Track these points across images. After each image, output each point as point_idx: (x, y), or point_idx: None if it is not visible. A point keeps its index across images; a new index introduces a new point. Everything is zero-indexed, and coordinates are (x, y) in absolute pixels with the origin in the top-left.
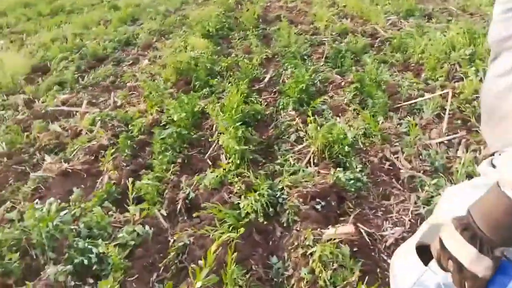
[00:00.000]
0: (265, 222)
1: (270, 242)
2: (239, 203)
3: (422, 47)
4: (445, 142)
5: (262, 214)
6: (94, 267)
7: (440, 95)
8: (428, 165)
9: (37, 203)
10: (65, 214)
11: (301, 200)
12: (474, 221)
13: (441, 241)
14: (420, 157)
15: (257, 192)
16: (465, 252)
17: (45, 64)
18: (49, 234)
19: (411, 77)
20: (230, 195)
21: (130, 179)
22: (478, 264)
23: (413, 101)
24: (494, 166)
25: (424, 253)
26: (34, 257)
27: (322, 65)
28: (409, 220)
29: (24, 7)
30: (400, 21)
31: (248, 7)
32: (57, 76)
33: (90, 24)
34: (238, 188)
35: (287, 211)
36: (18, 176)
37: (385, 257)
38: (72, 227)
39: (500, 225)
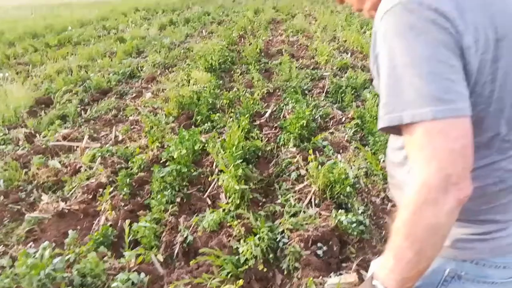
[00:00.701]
0: (265, 269)
1: None
2: (238, 248)
3: None
4: None
5: (262, 261)
6: None
7: None
8: None
9: (30, 246)
10: (58, 261)
11: (302, 245)
12: None
13: None
14: None
15: (257, 236)
16: None
17: (48, 97)
18: (40, 283)
19: None
20: (229, 238)
21: (127, 221)
22: None
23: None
24: None
25: None
26: None
27: (322, 100)
28: None
29: (32, 38)
30: None
31: (250, 41)
32: (60, 109)
33: (95, 56)
34: (238, 231)
35: (288, 257)
36: (14, 216)
37: None
38: (65, 275)
39: None
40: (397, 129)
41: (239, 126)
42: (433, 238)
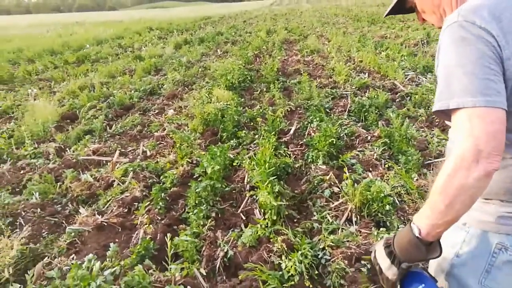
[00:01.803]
0: (310, 286)
1: None
2: (280, 263)
3: None
4: None
5: (307, 277)
6: None
7: None
8: None
9: (73, 258)
10: (108, 273)
11: (346, 262)
12: (393, 242)
13: (374, 251)
14: None
15: (300, 252)
16: (383, 261)
17: (73, 112)
18: None
19: (438, 133)
20: (270, 254)
21: (168, 235)
22: (389, 271)
23: (444, 158)
24: None
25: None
26: None
27: (345, 119)
28: None
29: (51, 55)
30: (418, 77)
31: (266, 60)
32: (86, 124)
33: (115, 73)
34: (279, 247)
35: (333, 274)
36: (52, 228)
37: None
38: (114, 287)
39: (404, 249)
40: (446, 114)
41: (269, 143)
42: (461, 196)
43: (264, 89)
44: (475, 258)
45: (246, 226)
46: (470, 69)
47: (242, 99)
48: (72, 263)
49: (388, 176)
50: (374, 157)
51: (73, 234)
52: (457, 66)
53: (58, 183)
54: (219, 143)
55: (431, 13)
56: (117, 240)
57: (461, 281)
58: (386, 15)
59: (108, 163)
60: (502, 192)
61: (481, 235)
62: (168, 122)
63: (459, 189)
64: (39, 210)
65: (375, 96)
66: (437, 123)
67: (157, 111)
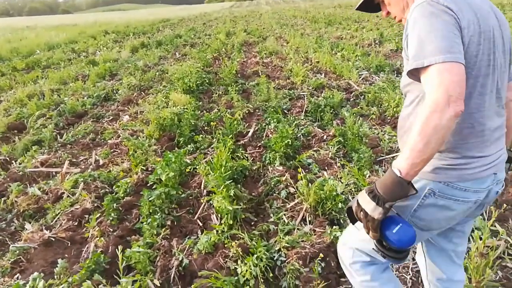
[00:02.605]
0: None
1: None
2: (236, 268)
3: (396, 101)
4: None
5: (262, 280)
6: None
7: None
8: None
9: (18, 278)
10: None
11: (300, 262)
12: (376, 187)
13: (357, 200)
14: None
15: (255, 256)
16: (368, 205)
17: (21, 122)
18: None
19: (389, 130)
20: (226, 259)
21: (120, 247)
22: (375, 211)
23: (395, 154)
24: None
25: (351, 216)
26: None
27: (302, 119)
28: (410, 278)
29: None
30: (372, 76)
31: (225, 63)
32: (35, 134)
33: (67, 79)
34: (234, 251)
35: (288, 275)
36: None
37: None
38: None
39: (388, 189)
40: (417, 76)
41: (225, 147)
42: (436, 135)
43: (223, 92)
44: (410, 199)
45: (202, 233)
46: (440, 34)
47: (200, 103)
48: (15, 283)
49: (341, 174)
50: (329, 156)
51: (17, 252)
52: (429, 32)
53: (3, 198)
54: (176, 148)
55: (395, 5)
56: (66, 255)
57: (401, 213)
58: (356, 9)
59: (58, 175)
60: (444, 144)
61: (418, 182)
62: (122, 129)
63: (435, 128)
64: None
65: (331, 96)
66: (389, 121)
67: (111, 117)
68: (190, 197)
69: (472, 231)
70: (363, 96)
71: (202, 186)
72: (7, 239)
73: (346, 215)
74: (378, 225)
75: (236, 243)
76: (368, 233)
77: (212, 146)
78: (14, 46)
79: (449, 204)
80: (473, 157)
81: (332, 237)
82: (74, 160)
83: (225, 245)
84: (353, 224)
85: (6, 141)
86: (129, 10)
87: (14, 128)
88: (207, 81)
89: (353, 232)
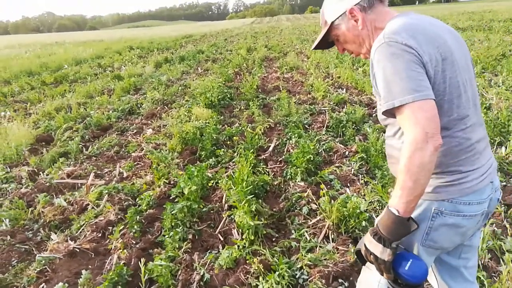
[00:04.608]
0: None
1: None
2: (257, 285)
3: None
4: None
5: None
6: None
7: None
8: None
9: (43, 287)
10: None
11: (323, 281)
12: (379, 229)
13: (364, 244)
14: None
15: (277, 273)
16: (376, 248)
17: (49, 134)
18: None
19: None
20: (247, 275)
21: (142, 260)
22: (384, 254)
23: None
24: None
25: (360, 257)
26: None
27: (324, 134)
28: None
29: (28, 76)
30: None
31: (246, 77)
32: (61, 146)
33: (93, 93)
34: (256, 268)
35: None
36: (22, 256)
37: None
38: None
39: (391, 230)
40: (391, 114)
41: (246, 161)
42: (423, 171)
43: (244, 107)
44: (419, 223)
45: (223, 247)
46: (404, 74)
47: (222, 117)
48: None
49: (364, 192)
50: (352, 172)
51: (43, 262)
52: (394, 74)
53: (30, 209)
54: (198, 162)
55: (352, 43)
56: (90, 266)
57: (410, 247)
58: (313, 49)
59: (83, 186)
60: (437, 165)
61: (422, 204)
62: (146, 142)
63: (420, 166)
64: (9, 237)
65: (353, 112)
66: None
67: (135, 131)
68: (212, 211)
69: (503, 253)
70: None
71: (224, 200)
72: (33, 248)
73: (355, 257)
74: (390, 265)
75: (257, 259)
76: (382, 275)
77: (233, 160)
78: (43, 61)
79: (458, 221)
80: (467, 171)
81: (355, 257)
82: (99, 172)
83: (247, 261)
84: (364, 265)
85: (35, 153)
86: (153, 27)
87: (42, 140)
88: (228, 96)
89: (368, 273)
